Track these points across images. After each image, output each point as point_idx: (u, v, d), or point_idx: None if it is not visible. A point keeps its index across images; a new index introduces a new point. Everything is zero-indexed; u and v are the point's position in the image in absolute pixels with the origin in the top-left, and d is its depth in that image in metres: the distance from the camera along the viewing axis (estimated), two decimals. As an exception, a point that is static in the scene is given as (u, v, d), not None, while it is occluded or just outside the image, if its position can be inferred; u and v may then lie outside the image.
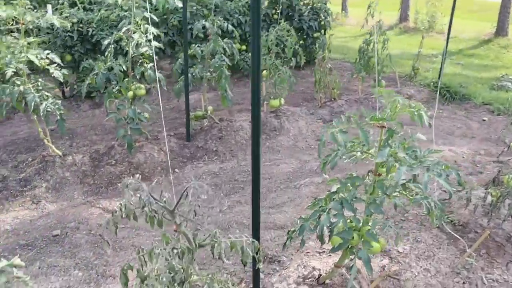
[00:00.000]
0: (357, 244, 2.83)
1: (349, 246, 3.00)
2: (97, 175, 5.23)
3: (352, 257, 3.17)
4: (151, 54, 4.98)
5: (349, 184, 2.83)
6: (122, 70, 4.99)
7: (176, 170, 5.41)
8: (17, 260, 2.02)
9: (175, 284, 2.04)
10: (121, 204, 1.97)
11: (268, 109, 6.81)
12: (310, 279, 3.26)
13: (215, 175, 5.26)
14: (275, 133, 6.39)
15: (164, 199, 1.92)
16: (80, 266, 3.73)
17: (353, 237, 2.71)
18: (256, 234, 2.67)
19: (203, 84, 6.26)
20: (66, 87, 8.27)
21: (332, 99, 7.48)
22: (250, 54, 9.34)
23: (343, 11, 20.89)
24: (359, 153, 3.08)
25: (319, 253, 3.73)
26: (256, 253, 2.30)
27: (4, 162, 5.57)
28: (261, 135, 6.51)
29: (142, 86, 5.20)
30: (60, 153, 5.38)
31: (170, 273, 1.90)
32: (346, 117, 2.52)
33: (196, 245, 1.95)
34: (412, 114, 2.53)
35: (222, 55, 5.71)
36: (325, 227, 2.75)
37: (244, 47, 9.12)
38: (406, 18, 17.73)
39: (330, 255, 3.68)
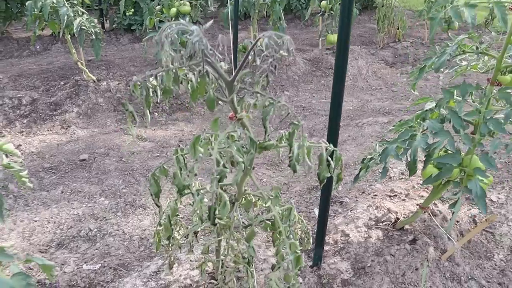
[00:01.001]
0: (456, 178, 2.15)
1: (442, 182, 2.33)
2: (132, 103, 4.70)
3: (446, 195, 2.49)
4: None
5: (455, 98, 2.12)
6: (165, -18, 4.35)
7: (220, 102, 4.79)
8: (8, 145, 1.46)
9: (224, 202, 1.42)
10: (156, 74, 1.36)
11: (324, 45, 6.04)
12: (384, 223, 2.61)
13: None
14: (332, 71, 5.64)
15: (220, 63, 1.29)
16: (107, 193, 3.23)
17: (460, 164, 2.01)
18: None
19: (253, 14, 5.55)
20: (106, 20, 7.75)
21: (396, 40, 6.61)
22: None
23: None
24: (462, 62, 2.36)
25: (390, 197, 3.07)
26: (336, 168, 1.66)
27: (36, 88, 5.12)
28: (316, 72, 5.80)
29: (187, 2, 4.55)
30: (94, 78, 4.88)
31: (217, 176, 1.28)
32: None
33: (267, 129, 1.32)
34: None
35: (278, -25, 4.95)
36: (419, 151, 2.07)
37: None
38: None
39: (404, 200, 3.02)
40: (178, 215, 1.85)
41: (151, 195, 1.59)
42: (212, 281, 2.10)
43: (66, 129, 4.29)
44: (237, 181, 1.25)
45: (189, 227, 1.72)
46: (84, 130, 4.28)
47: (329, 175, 1.63)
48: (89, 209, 3.03)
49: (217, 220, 1.75)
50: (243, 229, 1.80)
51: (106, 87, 4.78)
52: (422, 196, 2.98)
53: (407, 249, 2.38)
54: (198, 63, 1.20)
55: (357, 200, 3.02)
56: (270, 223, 1.48)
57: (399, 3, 10.96)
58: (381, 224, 2.60)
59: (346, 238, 2.53)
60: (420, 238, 2.45)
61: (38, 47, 7.07)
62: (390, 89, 5.39)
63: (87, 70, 4.81)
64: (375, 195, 3.08)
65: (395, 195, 3.07)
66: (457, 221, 2.78)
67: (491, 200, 2.99)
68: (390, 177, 3.38)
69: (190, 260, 2.25)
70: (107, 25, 7.84)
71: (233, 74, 1.40)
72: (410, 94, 5.21)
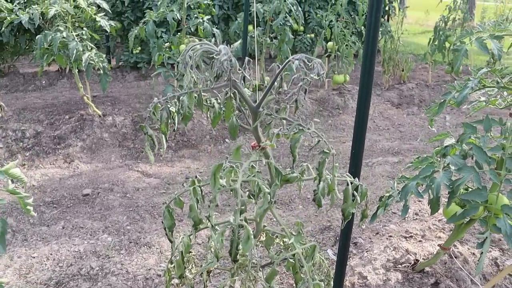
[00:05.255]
0: (480, 216, 2.05)
1: (464, 222, 2.22)
2: (138, 139, 4.64)
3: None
4: (209, 4, 4.34)
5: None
6: (176, 18, 4.38)
7: (227, 140, 4.74)
8: (14, 169, 1.37)
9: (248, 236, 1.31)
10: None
11: (330, 85, 6.05)
12: (403, 265, 2.48)
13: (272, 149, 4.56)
14: (338, 111, 5.62)
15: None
16: (111, 230, 3.11)
17: (486, 201, 1.91)
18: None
19: (259, 55, 5.59)
20: (113, 57, 7.81)
21: (401, 82, 6.63)
22: (307, 35, 8.67)
23: (401, 10, 19.78)
24: (480, 98, 2.30)
25: (405, 238, 2.94)
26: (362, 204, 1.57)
27: (40, 121, 5.07)
28: (323, 112, 5.78)
29: (196, 39, 4.57)
30: (100, 112, 4.84)
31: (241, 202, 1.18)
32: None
33: (296, 158, 1.24)
34: None
35: (286, 14, 5.01)
36: (441, 188, 1.97)
37: (302, 28, 8.40)
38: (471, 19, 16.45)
39: (420, 241, 2.89)
40: (191, 252, 1.74)
41: (164, 228, 1.49)
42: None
43: (69, 163, 4.20)
44: (261, 214, 1.15)
45: (203, 265, 1.60)
46: (87, 165, 4.19)
47: (354, 211, 1.54)
48: (91, 246, 2.90)
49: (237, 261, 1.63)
50: (261, 268, 1.68)
51: (111, 122, 4.73)
52: (440, 237, 2.86)
53: (430, 293, 2.24)
54: (224, 85, 1.13)
55: (371, 241, 2.89)
56: (293, 262, 1.37)
57: (401, 47, 11.15)
58: (400, 266, 2.47)
59: (364, 280, 2.39)
60: (443, 281, 2.32)
61: (44, 82, 7.09)
62: (398, 130, 5.34)
63: (93, 105, 4.78)
64: (390, 236, 2.96)
65: (411, 236, 2.94)
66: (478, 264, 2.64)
67: (512, 243, 2.86)
68: (404, 218, 3.26)
69: (199, 302, 2.11)
70: (113, 62, 7.90)
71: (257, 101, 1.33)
72: (418, 135, 5.16)
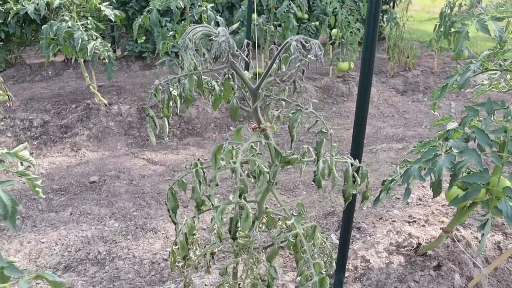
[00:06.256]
0: (482, 199, 2.06)
1: (467, 204, 2.23)
2: (143, 127, 4.67)
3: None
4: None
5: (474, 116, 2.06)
6: (179, 7, 4.38)
7: (232, 128, 4.76)
8: (23, 152, 1.40)
9: (247, 214, 1.34)
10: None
11: (334, 73, 6.04)
12: (406, 248, 2.50)
13: (276, 135, 4.58)
14: (343, 99, 5.61)
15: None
16: (117, 216, 3.15)
17: (487, 183, 1.92)
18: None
19: (263, 43, 5.57)
20: (118, 47, 7.83)
21: (406, 69, 6.60)
22: (312, 23, 8.62)
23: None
24: (484, 81, 2.30)
25: (409, 222, 2.96)
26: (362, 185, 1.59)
27: (47, 111, 5.12)
28: (328, 99, 5.78)
29: (199, 27, 4.58)
30: (105, 101, 4.87)
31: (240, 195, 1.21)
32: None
33: (294, 137, 1.26)
34: None
35: (290, 2, 4.99)
36: (443, 170, 1.98)
37: (306, 16, 8.35)
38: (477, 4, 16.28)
39: (424, 226, 2.91)
40: (195, 234, 1.77)
41: (168, 210, 1.52)
42: (227, 306, 1.99)
43: (76, 151, 4.25)
44: (261, 193, 1.18)
45: (206, 246, 1.64)
46: (94, 153, 4.23)
47: (355, 192, 1.56)
48: (99, 232, 2.95)
49: (236, 240, 1.66)
50: (263, 250, 1.71)
51: (117, 111, 4.76)
52: (443, 222, 2.88)
53: (432, 275, 2.26)
54: (223, 67, 1.15)
55: (375, 226, 2.92)
56: (293, 241, 1.39)
57: (407, 34, 11.06)
58: (402, 249, 2.49)
59: (367, 264, 2.41)
60: (445, 264, 2.34)
61: (50, 72, 7.14)
62: (402, 116, 5.34)
63: (98, 94, 4.81)
64: (393, 221, 2.98)
65: (414, 221, 2.96)
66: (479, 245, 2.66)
67: (515, 227, 2.88)
68: (408, 203, 3.28)
69: (205, 285, 2.15)
70: (118, 52, 7.92)
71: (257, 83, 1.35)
72: (422, 121, 5.15)
